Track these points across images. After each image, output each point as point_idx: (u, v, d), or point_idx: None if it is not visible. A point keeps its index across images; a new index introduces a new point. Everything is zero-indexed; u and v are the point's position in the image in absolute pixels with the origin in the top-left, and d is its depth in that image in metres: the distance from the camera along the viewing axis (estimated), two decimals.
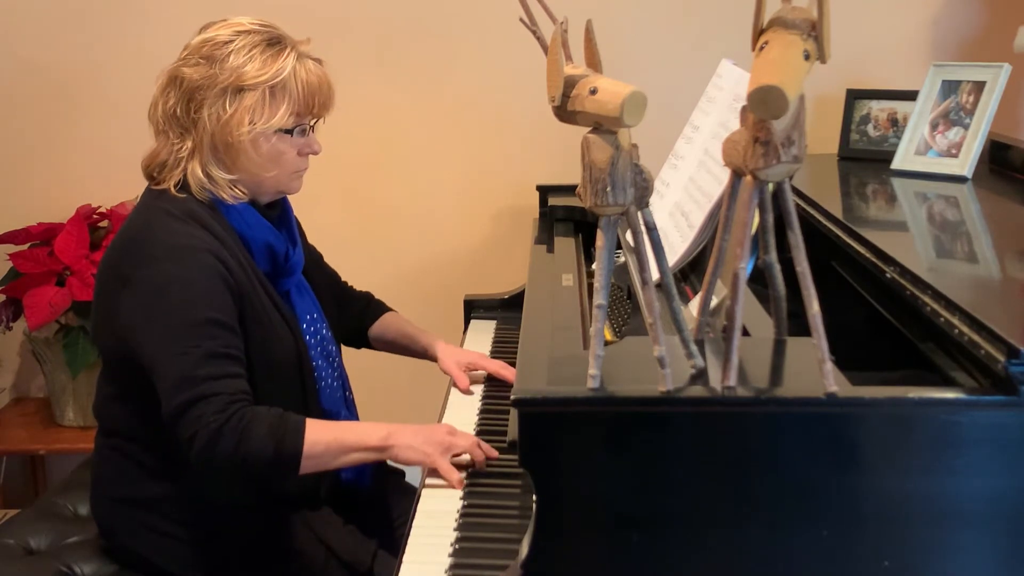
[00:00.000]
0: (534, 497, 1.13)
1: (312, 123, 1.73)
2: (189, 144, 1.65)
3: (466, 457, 1.63)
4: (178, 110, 1.65)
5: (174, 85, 1.66)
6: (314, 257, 1.98)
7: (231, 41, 1.64)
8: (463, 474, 1.59)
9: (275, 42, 1.66)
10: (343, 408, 1.85)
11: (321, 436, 1.56)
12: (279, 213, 1.80)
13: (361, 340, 2.08)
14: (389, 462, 2.02)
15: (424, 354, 2.04)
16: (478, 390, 1.95)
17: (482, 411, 1.87)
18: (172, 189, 1.66)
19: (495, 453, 1.65)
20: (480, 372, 1.99)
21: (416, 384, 2.45)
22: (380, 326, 2.07)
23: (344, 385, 1.88)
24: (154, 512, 1.71)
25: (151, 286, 1.59)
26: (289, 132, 1.67)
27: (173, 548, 1.70)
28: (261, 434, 1.52)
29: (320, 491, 1.79)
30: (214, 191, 1.66)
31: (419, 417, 1.81)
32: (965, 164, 2.05)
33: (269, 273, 1.74)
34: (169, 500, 1.70)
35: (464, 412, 1.85)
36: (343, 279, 2.11)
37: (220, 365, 1.56)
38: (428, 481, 1.60)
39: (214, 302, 1.59)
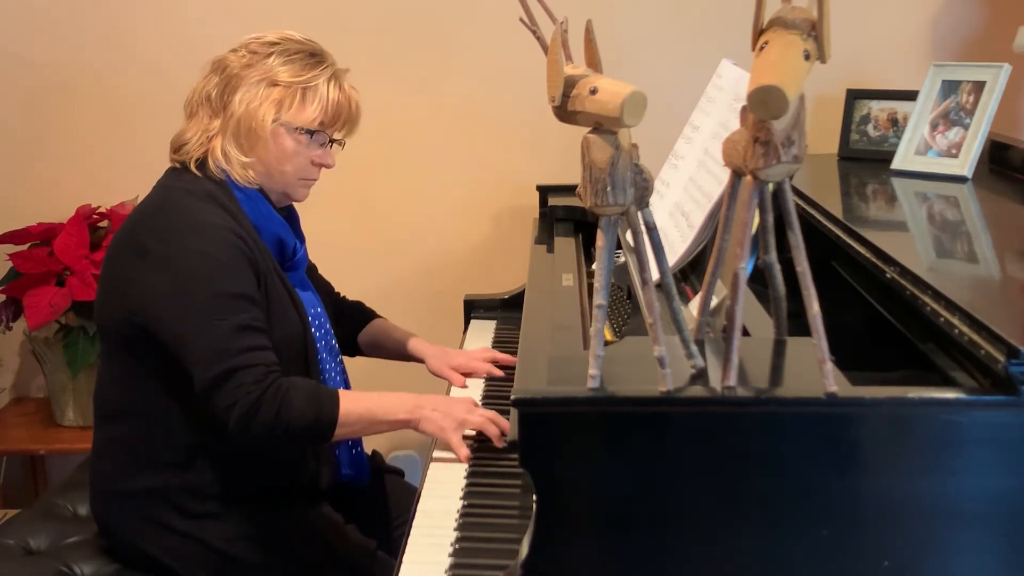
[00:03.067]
0: (534, 497, 1.13)
1: (333, 139, 1.79)
2: (217, 124, 1.73)
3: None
4: (214, 93, 1.73)
5: (217, 70, 1.75)
6: (310, 266, 2.00)
7: (278, 43, 1.74)
8: (469, 452, 1.68)
9: (316, 56, 1.76)
10: None
11: (354, 407, 1.65)
12: (287, 213, 1.85)
13: (353, 347, 2.11)
14: (388, 461, 2.04)
15: (411, 357, 2.07)
16: (479, 389, 1.95)
17: None
18: (192, 166, 1.73)
19: (507, 426, 1.70)
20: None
21: (416, 382, 2.45)
22: (368, 332, 2.10)
23: (346, 381, 1.91)
24: (155, 504, 1.72)
25: (175, 260, 1.64)
26: (310, 134, 1.73)
27: (174, 544, 1.71)
28: (301, 403, 1.60)
29: (321, 483, 1.80)
30: (229, 170, 1.72)
31: None
32: (965, 164, 2.05)
33: (278, 264, 1.78)
34: (170, 491, 1.71)
35: None
36: (343, 279, 2.13)
37: (253, 337, 1.61)
38: (436, 454, 1.69)
39: (239, 277, 1.64)
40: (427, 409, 1.68)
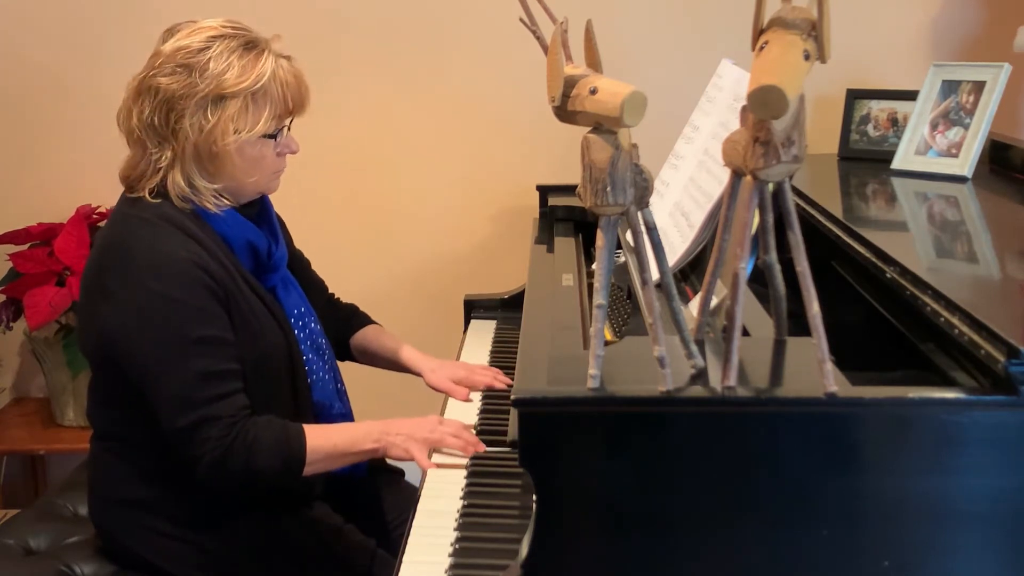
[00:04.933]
0: (534, 497, 1.13)
1: (289, 123, 1.71)
2: (169, 154, 1.62)
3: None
4: (156, 120, 1.61)
5: (148, 95, 1.62)
6: (303, 262, 1.99)
7: (207, 47, 1.61)
8: (433, 463, 1.67)
9: (252, 45, 1.64)
10: (336, 400, 1.86)
11: (321, 445, 1.63)
12: (258, 211, 1.78)
13: (343, 351, 2.04)
14: (388, 462, 2.04)
15: (406, 369, 2.01)
16: (476, 395, 1.95)
17: (482, 411, 1.87)
18: (147, 195, 1.64)
19: (481, 447, 1.69)
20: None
21: (415, 384, 2.45)
22: (361, 338, 2.03)
23: (336, 377, 1.89)
24: (151, 513, 1.71)
25: (134, 305, 1.59)
26: (272, 137, 1.66)
27: (172, 549, 1.70)
28: (267, 450, 1.59)
29: (316, 487, 1.80)
30: (197, 201, 1.64)
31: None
32: (965, 164, 2.05)
33: (253, 270, 1.73)
34: (165, 501, 1.71)
35: (464, 412, 1.85)
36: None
37: (218, 384, 1.59)
38: (436, 456, 1.69)
39: (201, 317, 1.59)
40: (392, 435, 1.67)
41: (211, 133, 1.60)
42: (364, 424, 1.70)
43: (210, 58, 1.60)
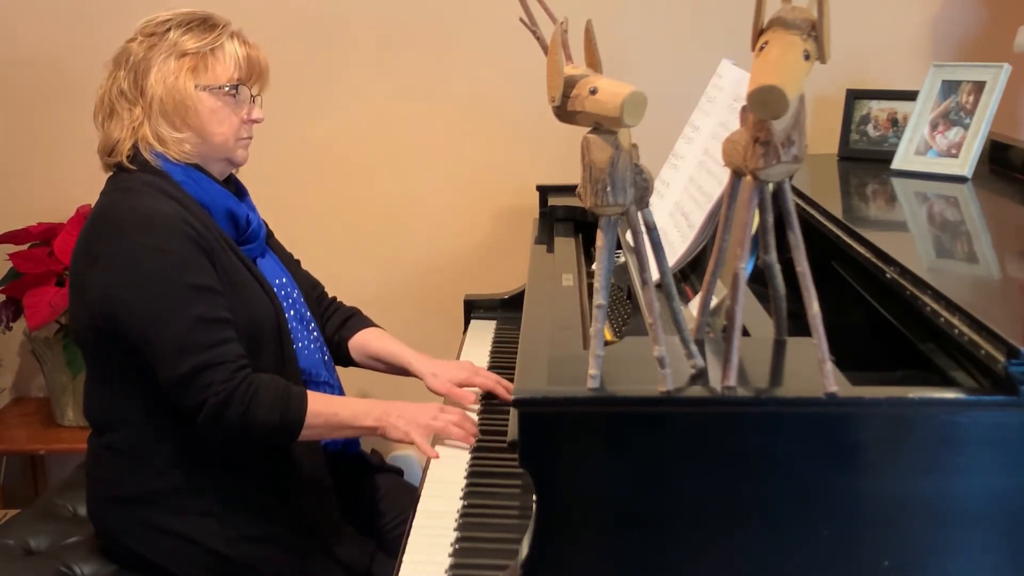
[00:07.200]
0: (534, 497, 1.13)
1: (252, 94, 1.78)
2: (138, 111, 1.72)
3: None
4: (126, 84, 1.72)
5: (120, 65, 1.74)
6: (293, 262, 1.99)
7: (171, 19, 1.74)
8: (436, 452, 1.69)
9: (209, 18, 1.76)
10: (322, 369, 1.86)
11: (321, 410, 1.66)
12: (235, 189, 1.84)
13: (342, 353, 2.03)
14: (388, 461, 2.04)
15: (406, 372, 1.99)
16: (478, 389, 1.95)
17: (482, 411, 1.87)
18: (125, 161, 1.71)
19: (475, 431, 1.70)
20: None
21: (410, 382, 2.45)
22: (361, 339, 2.02)
23: (322, 349, 1.90)
24: (150, 510, 1.71)
25: (126, 259, 1.62)
26: (233, 90, 1.73)
27: (171, 547, 1.71)
28: (267, 404, 1.61)
29: (302, 456, 1.79)
30: (165, 152, 1.71)
31: None
32: (965, 164, 2.05)
33: (234, 239, 1.77)
34: (164, 497, 1.71)
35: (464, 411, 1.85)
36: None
37: (216, 330, 1.61)
38: (437, 448, 1.70)
39: (192, 267, 1.63)
40: (393, 417, 1.69)
41: (175, 84, 1.70)
42: (368, 401, 1.74)
43: (171, 27, 1.73)
